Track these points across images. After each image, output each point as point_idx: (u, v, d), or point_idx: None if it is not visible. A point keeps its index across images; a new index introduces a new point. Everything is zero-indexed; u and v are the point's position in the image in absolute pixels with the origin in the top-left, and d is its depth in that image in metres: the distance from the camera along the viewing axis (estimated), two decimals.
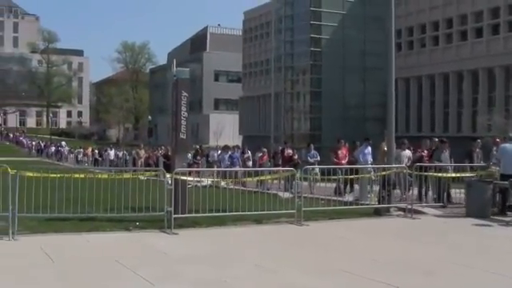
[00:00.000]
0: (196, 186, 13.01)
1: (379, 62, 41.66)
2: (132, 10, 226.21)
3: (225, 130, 75.68)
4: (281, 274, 7.84)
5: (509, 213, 13.59)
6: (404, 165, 15.61)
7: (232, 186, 13.68)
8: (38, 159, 58.48)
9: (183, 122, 12.46)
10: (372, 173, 15.60)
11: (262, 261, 8.57)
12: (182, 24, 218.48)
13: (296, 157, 21.69)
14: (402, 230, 12.04)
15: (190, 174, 12.90)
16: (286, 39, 60.56)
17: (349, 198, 16.09)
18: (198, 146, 30.57)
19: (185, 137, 12.51)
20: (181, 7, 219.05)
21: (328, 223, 12.53)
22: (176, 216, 11.09)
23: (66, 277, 7.56)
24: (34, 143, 74.98)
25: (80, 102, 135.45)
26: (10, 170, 10.24)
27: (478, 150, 16.61)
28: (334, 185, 16.98)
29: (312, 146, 21.81)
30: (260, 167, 21.65)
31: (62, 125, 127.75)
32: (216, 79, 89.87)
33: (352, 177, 15.78)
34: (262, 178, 16.58)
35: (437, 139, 17.50)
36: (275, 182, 19.62)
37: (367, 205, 14.78)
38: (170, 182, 11.42)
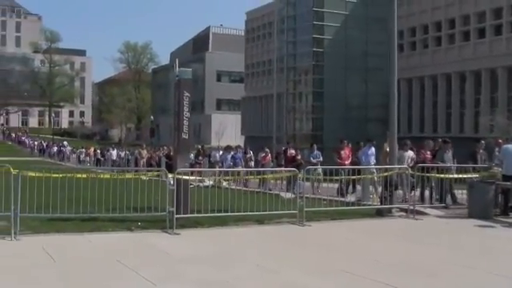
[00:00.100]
0: (198, 186, 13.01)
1: (381, 63, 41.66)
2: (134, 10, 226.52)
3: (227, 130, 75.64)
4: (282, 274, 7.84)
5: (511, 214, 13.58)
6: (406, 165, 15.57)
7: (234, 187, 13.68)
8: (41, 159, 58.56)
9: (185, 122, 12.46)
10: (375, 174, 15.58)
11: (263, 261, 8.56)
12: (185, 24, 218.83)
13: (299, 157, 21.66)
14: (404, 231, 12.03)
15: (192, 174, 12.90)
16: (288, 39, 60.63)
17: (351, 198, 16.07)
18: (199, 146, 30.58)
19: (187, 137, 12.52)
20: (183, 7, 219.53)
21: (330, 224, 12.52)
22: (178, 216, 11.09)
23: (68, 277, 7.56)
24: (36, 143, 75.08)
25: (82, 101, 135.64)
26: (12, 169, 10.25)
27: (481, 151, 16.53)
28: (337, 185, 16.99)
29: (315, 146, 21.76)
30: (263, 167, 21.66)
31: (65, 125, 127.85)
32: (218, 79, 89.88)
33: (354, 177, 15.77)
34: (264, 176, 16.58)
35: (440, 140, 17.46)
36: (277, 182, 19.59)
37: (369, 205, 14.78)
38: (172, 182, 11.43)
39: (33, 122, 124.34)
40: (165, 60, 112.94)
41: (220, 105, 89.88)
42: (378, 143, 18.05)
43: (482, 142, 17.09)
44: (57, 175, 11.21)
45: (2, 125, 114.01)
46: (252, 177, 15.00)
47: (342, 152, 19.20)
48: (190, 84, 13.06)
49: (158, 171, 16.72)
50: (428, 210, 14.16)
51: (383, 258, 8.91)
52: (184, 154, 12.84)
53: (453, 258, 8.97)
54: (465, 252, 9.67)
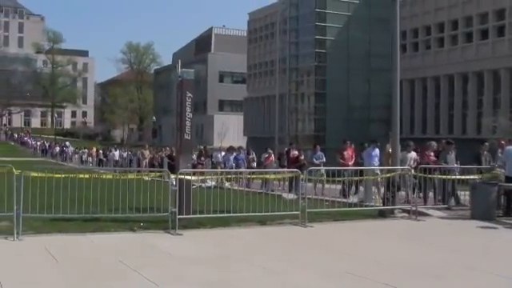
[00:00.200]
0: (200, 186, 13.01)
1: (384, 64, 41.72)
2: (137, 11, 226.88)
3: (229, 131, 75.67)
4: (285, 275, 7.83)
5: None
6: (409, 166, 15.54)
7: (236, 187, 13.68)
8: (43, 159, 58.65)
9: (188, 123, 12.45)
10: (379, 175, 15.55)
11: (266, 262, 8.55)
12: (187, 25, 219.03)
13: (302, 157, 21.64)
14: (407, 232, 12.01)
15: (194, 174, 12.90)
16: (290, 40, 60.64)
17: (353, 199, 16.05)
18: (202, 147, 30.58)
19: (189, 137, 12.51)
20: (185, 8, 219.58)
21: (332, 225, 12.51)
22: (180, 217, 11.09)
23: (70, 277, 7.56)
24: (38, 143, 75.22)
25: (85, 102, 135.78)
26: (14, 170, 10.26)
27: (485, 152, 16.46)
28: (340, 186, 16.96)
29: (318, 147, 21.72)
30: (266, 168, 21.65)
31: (67, 125, 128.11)
32: (221, 80, 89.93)
33: (356, 178, 15.75)
34: (266, 177, 16.58)
35: (444, 141, 17.44)
36: (280, 182, 19.58)
37: (371, 206, 14.76)
38: (174, 182, 11.42)
39: (35, 122, 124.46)
40: (167, 61, 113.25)
41: (222, 105, 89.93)
42: (380, 144, 18.04)
43: (486, 143, 17.01)
44: (59, 175, 11.20)
45: (5, 125, 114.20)
46: (254, 176, 14.99)
47: (345, 153, 19.16)
48: (192, 85, 13.06)
49: (160, 172, 16.74)
50: (430, 211, 14.15)
51: (385, 259, 8.90)
52: (186, 155, 12.84)
53: (455, 260, 8.96)
54: (467, 253, 9.66)
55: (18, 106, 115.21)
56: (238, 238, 10.83)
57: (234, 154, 24.05)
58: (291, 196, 14.37)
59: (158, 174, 15.94)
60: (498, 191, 13.65)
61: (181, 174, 11.61)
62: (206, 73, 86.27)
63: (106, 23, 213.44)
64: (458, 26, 53.56)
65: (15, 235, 9.89)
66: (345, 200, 15.22)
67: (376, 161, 17.30)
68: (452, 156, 16.08)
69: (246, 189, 14.22)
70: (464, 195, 14.95)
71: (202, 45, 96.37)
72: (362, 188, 17.15)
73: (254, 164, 25.18)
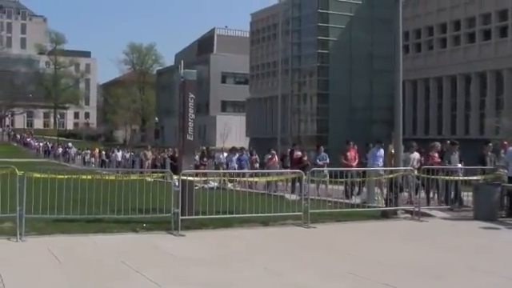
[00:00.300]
0: (203, 187, 13.02)
1: (386, 65, 41.60)
2: (139, 12, 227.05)
3: (231, 131, 75.71)
4: (287, 276, 7.83)
5: None
6: (412, 167, 15.52)
7: (239, 188, 13.69)
8: (46, 160, 58.67)
9: (190, 124, 12.47)
10: (383, 175, 15.53)
11: (268, 263, 8.56)
12: (189, 26, 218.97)
13: (306, 158, 21.61)
14: (409, 233, 12.01)
15: (196, 175, 12.91)
16: (293, 41, 60.61)
17: (356, 200, 16.05)
18: (204, 148, 30.60)
19: (192, 138, 12.52)
20: (188, 9, 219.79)
21: (335, 225, 12.51)
22: (183, 218, 11.09)
23: (73, 278, 7.57)
24: (41, 144, 75.20)
25: (87, 103, 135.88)
26: (17, 171, 10.27)
27: (490, 153, 16.38)
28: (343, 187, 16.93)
29: (322, 148, 21.65)
30: (269, 169, 21.63)
31: (70, 126, 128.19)
32: (223, 81, 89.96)
33: (359, 179, 15.73)
34: (270, 178, 16.58)
35: (448, 141, 17.41)
36: (283, 183, 19.57)
37: (374, 207, 14.75)
38: (176, 183, 11.43)
39: (38, 123, 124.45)
40: (169, 61, 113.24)
41: (225, 106, 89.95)
42: (383, 145, 18.02)
43: (490, 144, 16.98)
44: (62, 176, 11.22)
45: (8, 126, 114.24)
46: (257, 179, 14.98)
47: (348, 153, 19.13)
48: (194, 85, 13.07)
49: (162, 172, 16.76)
50: (433, 212, 14.15)
51: (388, 260, 8.90)
52: (189, 156, 12.85)
53: (458, 260, 8.96)
54: (470, 254, 9.66)
55: (21, 107, 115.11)
56: (241, 238, 10.84)
57: (237, 154, 24.03)
58: (294, 197, 14.37)
59: (161, 174, 15.98)
60: (500, 192, 13.65)
61: (183, 174, 11.61)
62: (208, 74, 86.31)
63: (108, 24, 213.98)
64: (461, 27, 53.45)
65: (18, 236, 9.90)
66: (347, 201, 15.20)
67: (380, 161, 17.29)
68: (455, 156, 16.06)
69: (249, 190, 14.22)
70: (467, 196, 14.93)
71: (204, 46, 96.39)
72: (365, 189, 17.14)
73: (257, 165, 25.17)
